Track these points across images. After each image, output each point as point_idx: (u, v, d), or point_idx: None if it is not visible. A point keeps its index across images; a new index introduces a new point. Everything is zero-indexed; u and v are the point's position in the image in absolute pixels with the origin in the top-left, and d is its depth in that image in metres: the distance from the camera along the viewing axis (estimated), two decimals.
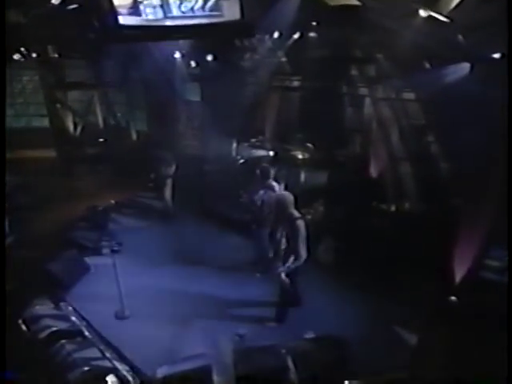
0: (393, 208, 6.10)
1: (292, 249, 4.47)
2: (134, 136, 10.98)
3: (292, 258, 4.46)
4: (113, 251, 5.93)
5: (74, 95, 10.72)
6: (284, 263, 4.54)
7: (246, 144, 7.27)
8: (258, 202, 5.44)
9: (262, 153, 6.81)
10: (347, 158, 6.37)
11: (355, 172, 6.17)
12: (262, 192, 5.44)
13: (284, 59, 7.89)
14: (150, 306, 5.11)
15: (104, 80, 9.99)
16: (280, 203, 4.50)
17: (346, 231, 5.83)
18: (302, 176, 6.59)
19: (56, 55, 9.75)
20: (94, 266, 5.81)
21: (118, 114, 11.00)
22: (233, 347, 4.30)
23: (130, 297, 5.03)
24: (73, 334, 4.35)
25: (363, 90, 7.57)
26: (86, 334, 4.41)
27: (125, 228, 6.97)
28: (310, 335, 4.56)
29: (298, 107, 8.23)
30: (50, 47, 9.62)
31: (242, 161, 6.98)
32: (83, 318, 4.71)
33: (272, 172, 5.56)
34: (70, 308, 4.83)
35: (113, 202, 4.87)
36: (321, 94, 7.59)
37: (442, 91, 5.81)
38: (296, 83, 8.31)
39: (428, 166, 6.60)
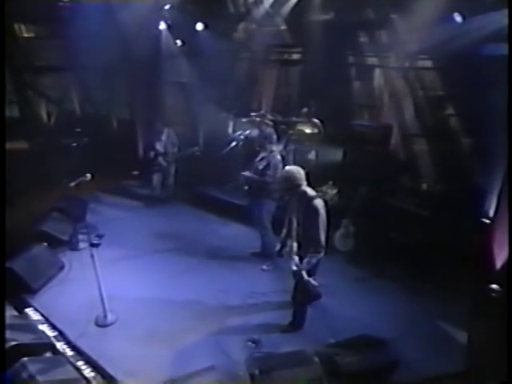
0: (419, 188, 5.31)
1: (311, 238, 3.47)
2: (115, 124, 9.97)
3: (312, 250, 3.48)
4: (92, 245, 5.02)
5: (46, 80, 9.61)
6: (302, 257, 3.55)
7: (244, 120, 6.35)
8: (261, 166, 4.62)
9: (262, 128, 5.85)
10: (365, 131, 5.50)
11: (375, 148, 5.30)
12: (266, 156, 4.66)
13: (283, 27, 7.04)
14: (138, 308, 4.17)
15: (80, 62, 8.93)
16: (288, 181, 3.53)
17: (366, 214, 4.99)
18: (313, 153, 5.74)
19: (25, 34, 8.76)
20: (69, 263, 4.83)
21: (97, 101, 9.97)
22: (247, 356, 3.46)
23: (114, 298, 4.10)
24: (39, 348, 3.37)
25: (373, 60, 6.80)
26: (58, 347, 3.44)
27: (107, 219, 6.00)
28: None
29: (300, 82, 7.40)
30: (16, 25, 8.60)
31: (235, 143, 6.06)
32: (54, 328, 3.72)
33: (275, 137, 4.80)
34: (38, 315, 3.83)
35: (88, 175, 3.83)
36: (325, 66, 6.76)
37: (472, 51, 5.09)
38: (297, 56, 7.47)
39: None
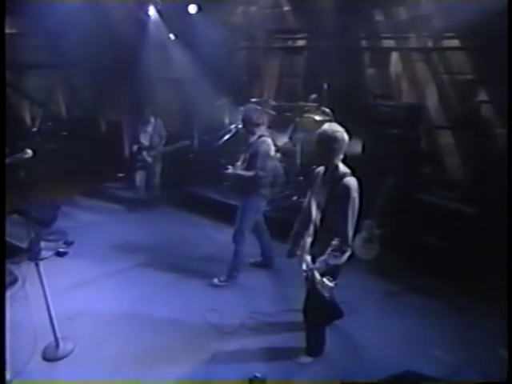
0: (458, 180, 4.39)
1: (333, 229, 2.54)
2: (104, 128, 9.17)
3: (334, 245, 2.53)
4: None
5: (30, 80, 8.86)
6: (320, 253, 2.60)
7: (242, 108, 5.46)
8: (247, 155, 3.72)
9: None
10: (390, 112, 4.59)
11: (402, 132, 4.37)
12: (253, 142, 3.72)
13: (287, 8, 6.27)
14: (107, 332, 3.22)
15: (66, 60, 8.19)
16: (323, 140, 2.53)
17: (393, 213, 4.06)
18: None
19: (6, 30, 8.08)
20: (24, 277, 3.87)
21: (84, 102, 9.19)
22: None
23: (76, 321, 3.23)
24: None
25: (390, 42, 5.98)
26: None
27: (80, 224, 5.09)
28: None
29: (306, 72, 6.58)
30: None
31: (229, 135, 5.18)
32: None
33: (261, 117, 3.80)
34: None
35: (29, 152, 2.91)
36: (335, 51, 5.93)
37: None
38: (302, 42, 6.67)
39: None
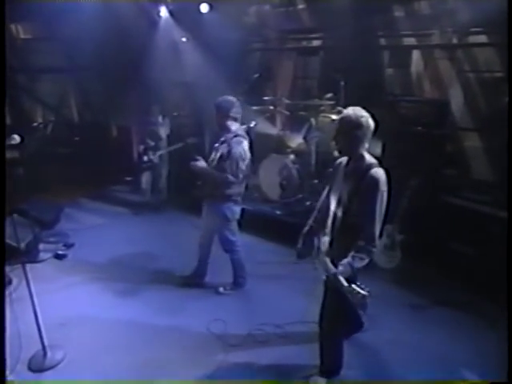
0: (490, 181, 4.02)
1: (358, 227, 2.24)
2: (115, 133, 9.08)
3: (359, 247, 2.23)
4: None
5: (43, 85, 8.90)
6: (339, 255, 2.30)
7: (254, 108, 5.22)
8: (218, 154, 3.32)
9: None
10: (413, 108, 4.26)
11: (427, 130, 4.02)
12: (226, 140, 3.30)
13: (302, 6, 6.06)
14: (96, 345, 2.95)
15: (78, 64, 8.18)
16: (343, 125, 2.26)
17: (417, 217, 3.71)
18: None
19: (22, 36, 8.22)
20: (19, 279, 3.62)
21: (96, 106, 9.15)
22: None
23: (63, 330, 2.97)
24: None
25: (410, 40, 5.68)
26: None
27: (83, 227, 4.90)
28: None
29: (321, 74, 6.33)
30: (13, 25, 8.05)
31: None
32: None
33: (238, 112, 3.33)
34: None
35: (17, 137, 2.68)
36: (352, 51, 5.67)
37: None
38: (317, 42, 6.44)
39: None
